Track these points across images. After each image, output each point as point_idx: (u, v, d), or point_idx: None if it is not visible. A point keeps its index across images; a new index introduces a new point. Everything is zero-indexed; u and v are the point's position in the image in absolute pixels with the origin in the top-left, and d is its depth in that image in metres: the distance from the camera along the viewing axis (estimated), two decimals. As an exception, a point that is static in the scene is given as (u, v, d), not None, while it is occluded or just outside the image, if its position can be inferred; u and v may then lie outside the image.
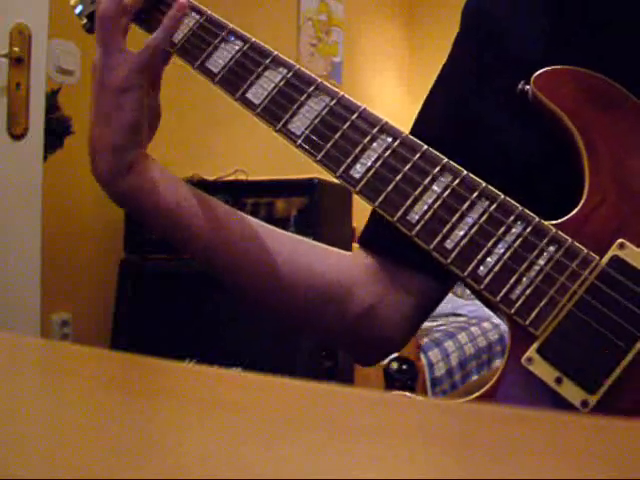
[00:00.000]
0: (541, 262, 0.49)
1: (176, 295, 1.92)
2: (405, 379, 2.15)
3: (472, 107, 0.62)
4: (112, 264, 2.03)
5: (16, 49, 1.54)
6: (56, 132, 1.85)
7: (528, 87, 0.53)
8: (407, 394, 0.56)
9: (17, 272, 1.57)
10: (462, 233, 0.50)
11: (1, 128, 1.54)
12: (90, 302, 2.12)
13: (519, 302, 0.48)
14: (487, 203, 0.51)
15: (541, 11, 0.61)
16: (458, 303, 3.23)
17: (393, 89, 3.96)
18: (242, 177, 2.19)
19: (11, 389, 0.26)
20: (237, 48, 0.59)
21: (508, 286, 0.49)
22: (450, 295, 2.52)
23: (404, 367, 2.15)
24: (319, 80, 0.57)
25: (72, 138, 1.94)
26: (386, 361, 2.05)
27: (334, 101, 0.56)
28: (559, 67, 0.53)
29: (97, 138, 0.60)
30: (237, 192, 2.03)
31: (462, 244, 0.50)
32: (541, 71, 0.53)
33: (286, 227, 1.96)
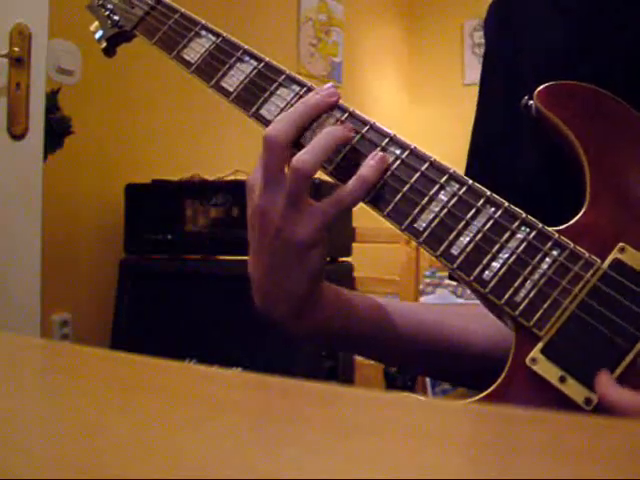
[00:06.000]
0: (544, 266, 0.50)
1: (176, 295, 1.91)
2: (405, 379, 2.15)
3: (500, 127, 0.66)
4: (112, 264, 2.03)
5: (16, 49, 1.54)
6: (56, 132, 1.85)
7: (531, 102, 0.54)
8: (408, 394, 0.56)
9: (17, 272, 1.57)
10: (468, 239, 0.51)
11: (1, 128, 1.54)
12: (90, 302, 2.12)
13: (523, 304, 0.49)
14: (492, 210, 0.52)
15: (565, 14, 0.62)
16: (457, 303, 3.22)
17: (393, 89, 3.96)
18: (242, 177, 2.19)
19: (11, 389, 0.26)
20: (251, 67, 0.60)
21: (512, 289, 0.50)
22: (449, 295, 2.51)
23: (404, 367, 2.14)
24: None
25: (72, 138, 1.94)
26: (386, 361, 2.06)
27: (345, 115, 0.57)
28: (561, 82, 0.54)
29: (272, 291, 0.57)
30: (237, 192, 2.03)
31: (468, 250, 0.51)
32: (543, 86, 0.54)
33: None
